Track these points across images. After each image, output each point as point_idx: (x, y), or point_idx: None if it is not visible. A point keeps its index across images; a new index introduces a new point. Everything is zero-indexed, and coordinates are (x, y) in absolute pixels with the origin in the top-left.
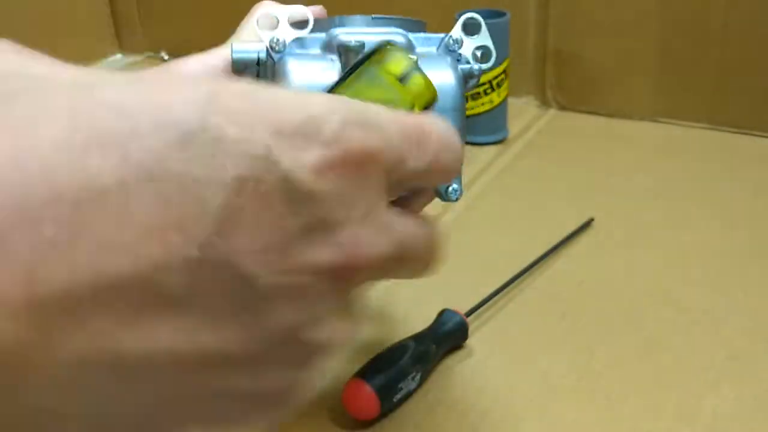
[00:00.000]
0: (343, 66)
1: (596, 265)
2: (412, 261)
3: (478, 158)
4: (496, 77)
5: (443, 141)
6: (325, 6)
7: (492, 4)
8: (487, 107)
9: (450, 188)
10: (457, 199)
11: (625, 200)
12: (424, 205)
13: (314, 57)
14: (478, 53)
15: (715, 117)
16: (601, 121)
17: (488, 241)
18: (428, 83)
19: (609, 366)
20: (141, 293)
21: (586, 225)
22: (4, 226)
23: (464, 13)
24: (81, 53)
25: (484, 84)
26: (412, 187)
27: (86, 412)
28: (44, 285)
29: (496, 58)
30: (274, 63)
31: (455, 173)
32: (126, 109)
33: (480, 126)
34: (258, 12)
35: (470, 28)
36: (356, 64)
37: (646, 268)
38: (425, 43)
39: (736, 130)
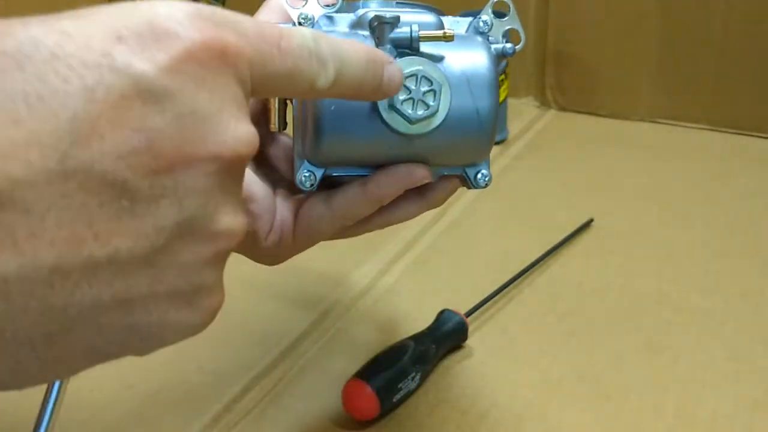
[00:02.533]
0: (376, 42)
1: (596, 266)
2: None
3: None
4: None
5: (305, 47)
6: None
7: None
8: None
9: (479, 174)
10: (486, 185)
11: (624, 201)
12: (449, 191)
13: (344, 34)
14: (507, 36)
15: (715, 118)
16: (600, 121)
17: (488, 241)
18: None
19: (608, 366)
20: (5, 212)
21: (586, 225)
22: None
23: None
24: None
25: None
26: (274, 93)
27: None
28: None
29: None
30: None
31: (324, 81)
32: None
33: None
34: None
35: (499, 11)
36: None
37: (646, 268)
38: (453, 25)
39: (735, 130)
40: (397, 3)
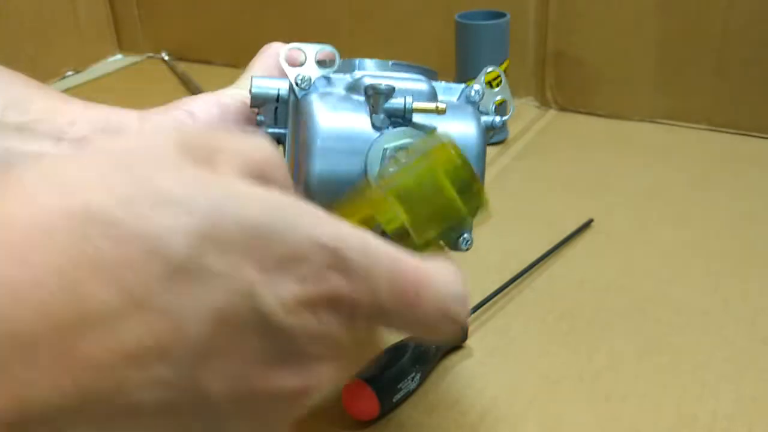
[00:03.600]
0: (371, 109)
1: (596, 266)
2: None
3: None
4: (495, 78)
5: (441, 305)
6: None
7: (492, 5)
8: None
9: (461, 238)
10: (467, 249)
11: (624, 201)
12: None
13: (341, 97)
14: (497, 106)
15: (715, 118)
16: (600, 122)
17: (488, 241)
18: (485, 197)
19: (608, 366)
20: (117, 407)
21: (586, 225)
22: (2, 353)
23: (487, 67)
24: (81, 53)
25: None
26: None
27: None
28: (32, 405)
29: (497, 58)
30: (298, 100)
31: (440, 335)
32: (122, 236)
33: None
34: (283, 48)
35: (491, 81)
36: (412, 156)
37: (646, 268)
38: (446, 91)
39: (735, 131)
40: (393, 63)
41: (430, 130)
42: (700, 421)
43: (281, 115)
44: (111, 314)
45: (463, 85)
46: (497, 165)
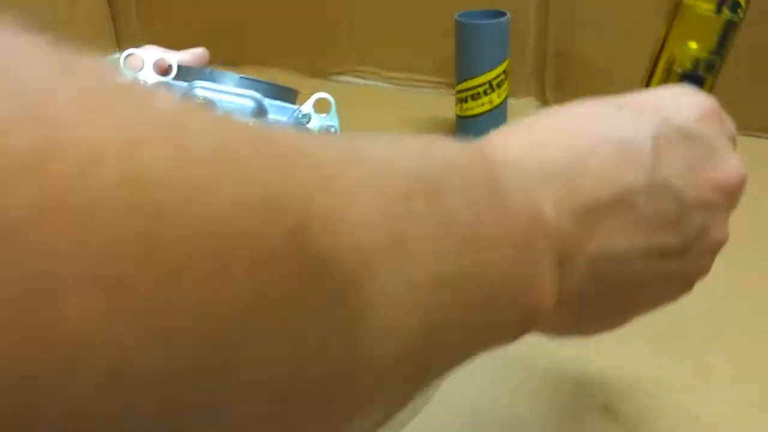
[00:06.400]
0: None
1: None
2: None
3: None
4: (496, 77)
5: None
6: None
7: (492, 5)
8: (487, 107)
9: None
10: None
11: None
12: None
13: None
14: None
15: None
16: None
17: None
18: None
19: (608, 367)
20: (623, 208)
21: None
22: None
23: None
24: (79, 50)
25: (483, 84)
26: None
27: (589, 300)
28: (571, 202)
29: (498, 57)
30: None
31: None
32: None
33: (480, 126)
34: (123, 53)
35: (321, 107)
36: None
37: None
38: (279, 111)
39: None
40: (241, 78)
41: None
42: (701, 422)
43: None
44: (592, 153)
45: (296, 107)
46: None
